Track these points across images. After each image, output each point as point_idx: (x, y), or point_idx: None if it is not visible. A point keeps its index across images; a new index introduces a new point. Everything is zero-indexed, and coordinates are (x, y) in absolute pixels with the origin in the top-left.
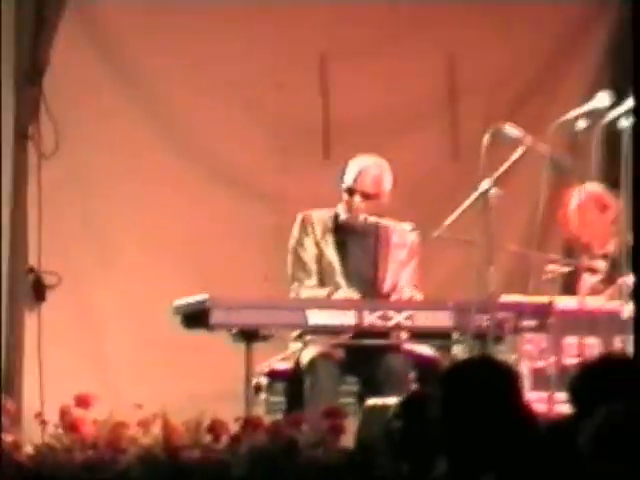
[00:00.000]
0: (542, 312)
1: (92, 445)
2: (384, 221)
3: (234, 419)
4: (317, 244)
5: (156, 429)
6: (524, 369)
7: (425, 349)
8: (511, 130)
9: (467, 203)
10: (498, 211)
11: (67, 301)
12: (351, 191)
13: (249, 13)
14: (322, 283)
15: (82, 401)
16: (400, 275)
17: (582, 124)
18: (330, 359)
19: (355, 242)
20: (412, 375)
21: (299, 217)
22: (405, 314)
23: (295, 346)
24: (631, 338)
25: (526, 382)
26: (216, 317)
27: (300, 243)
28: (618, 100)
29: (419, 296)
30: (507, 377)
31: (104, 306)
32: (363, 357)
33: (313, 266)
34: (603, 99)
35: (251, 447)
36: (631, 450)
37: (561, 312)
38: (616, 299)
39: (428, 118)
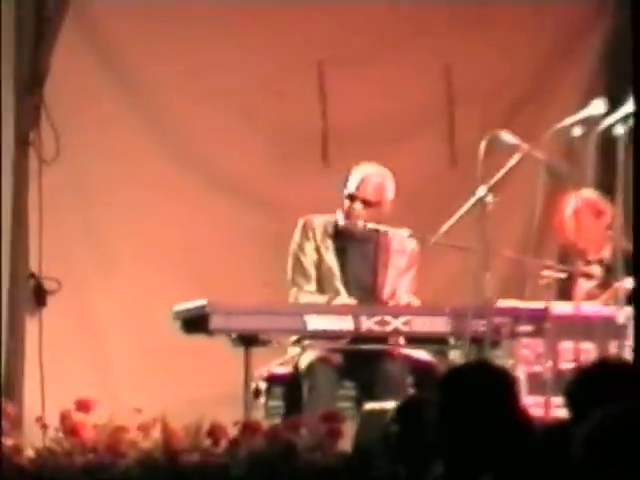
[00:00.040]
0: (538, 317)
1: (92, 449)
2: (383, 227)
3: (233, 423)
4: (317, 249)
5: (156, 433)
6: (521, 374)
7: (422, 354)
8: (507, 137)
9: (463, 210)
10: (494, 217)
11: (67, 306)
12: (353, 198)
13: (248, 21)
14: (321, 289)
15: (82, 405)
16: (399, 282)
17: (577, 131)
18: (328, 364)
19: (355, 248)
20: (409, 380)
21: (300, 222)
22: (402, 319)
23: (294, 351)
24: (626, 343)
25: (523, 387)
26: (215, 322)
27: (301, 248)
28: (613, 107)
29: (416, 302)
30: (504, 382)
31: (104, 311)
32: (361, 362)
33: (312, 271)
34: (598, 106)
35: (250, 451)
36: (623, 454)
37: (557, 317)
38: (611, 304)
39: (426, 125)
